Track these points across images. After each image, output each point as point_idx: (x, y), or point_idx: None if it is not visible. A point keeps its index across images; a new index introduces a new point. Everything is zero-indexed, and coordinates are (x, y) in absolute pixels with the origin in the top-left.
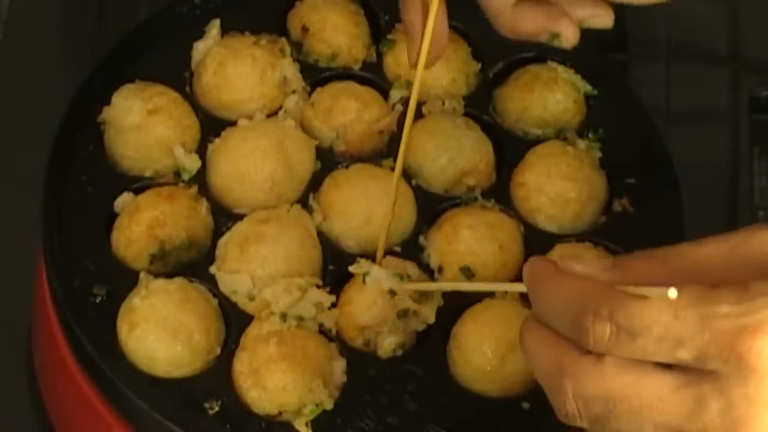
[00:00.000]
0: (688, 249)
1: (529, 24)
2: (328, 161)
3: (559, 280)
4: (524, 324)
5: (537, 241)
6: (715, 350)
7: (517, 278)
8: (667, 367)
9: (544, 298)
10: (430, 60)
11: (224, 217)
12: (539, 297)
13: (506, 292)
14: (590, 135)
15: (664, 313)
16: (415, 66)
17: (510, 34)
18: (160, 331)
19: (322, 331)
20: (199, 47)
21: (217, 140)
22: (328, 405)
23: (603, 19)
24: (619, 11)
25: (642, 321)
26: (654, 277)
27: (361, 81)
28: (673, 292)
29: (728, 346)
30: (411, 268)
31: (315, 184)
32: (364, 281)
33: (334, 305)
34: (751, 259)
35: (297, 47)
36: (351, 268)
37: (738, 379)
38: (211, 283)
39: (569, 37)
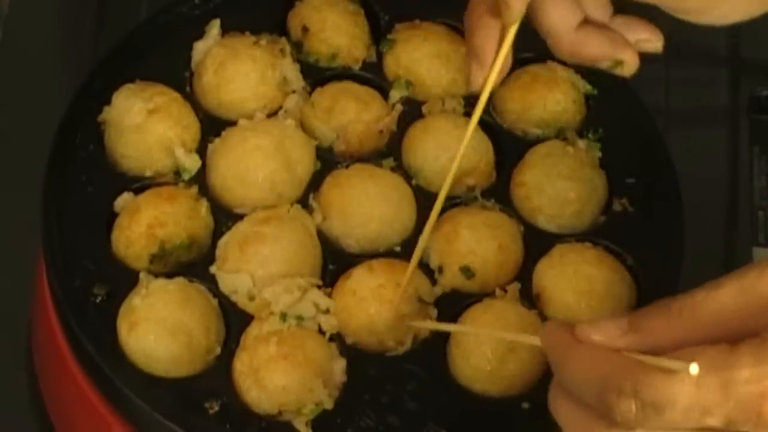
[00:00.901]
0: (702, 298)
1: (592, 50)
2: (328, 161)
3: (578, 350)
4: (551, 391)
5: (537, 241)
6: (743, 417)
7: (516, 279)
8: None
9: (565, 370)
10: (495, 83)
11: (224, 217)
12: (560, 368)
13: (506, 292)
14: (590, 135)
15: (686, 384)
16: (479, 90)
17: (569, 57)
18: (161, 331)
19: (322, 331)
20: (199, 47)
21: (217, 140)
22: (328, 405)
23: (654, 44)
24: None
25: (666, 395)
26: (672, 334)
27: (361, 81)
28: (694, 368)
29: (755, 412)
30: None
31: (315, 184)
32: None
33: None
34: (766, 300)
35: (297, 47)
36: None
37: None
38: (211, 283)
39: (631, 65)
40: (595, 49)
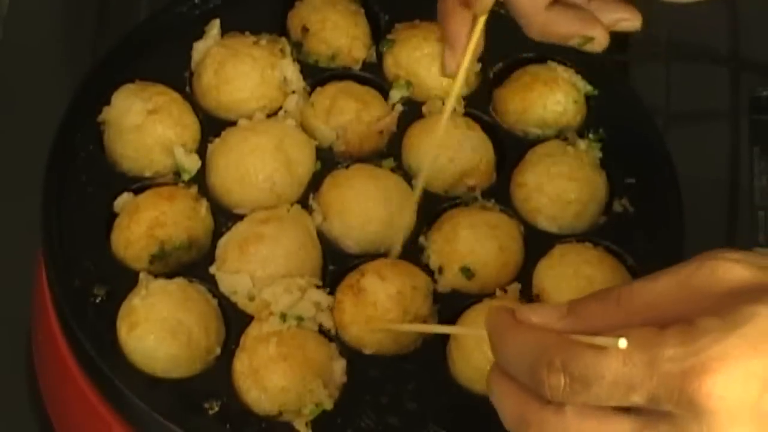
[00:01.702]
0: (640, 287)
1: (561, 27)
2: (328, 161)
3: (517, 331)
4: (490, 373)
5: (537, 241)
6: (665, 393)
7: (516, 279)
8: (627, 410)
9: (502, 349)
10: (468, 69)
11: (224, 217)
12: (498, 348)
13: (506, 293)
14: (590, 135)
15: (613, 360)
16: (453, 75)
17: (539, 36)
18: (160, 331)
19: (322, 331)
20: (199, 47)
21: (217, 140)
22: (328, 405)
23: (632, 22)
24: None
25: (593, 370)
26: (609, 320)
27: (361, 81)
28: (622, 342)
29: (677, 388)
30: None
31: (315, 184)
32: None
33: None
34: (700, 292)
35: (297, 47)
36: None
37: (693, 419)
38: (211, 283)
39: (601, 41)
40: (565, 28)
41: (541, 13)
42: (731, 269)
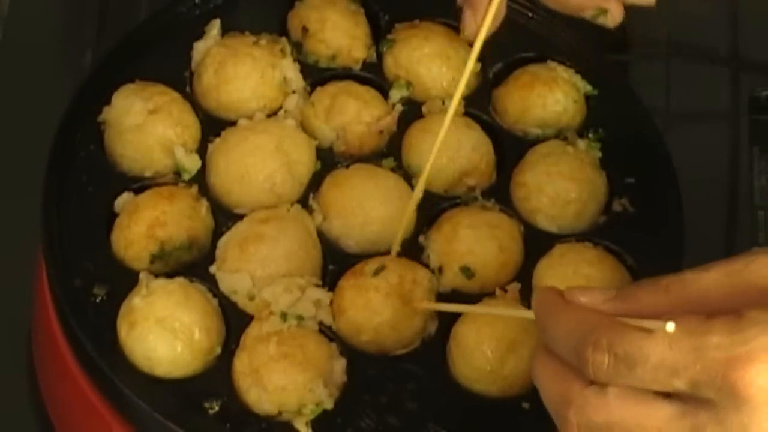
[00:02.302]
0: (691, 277)
1: None
2: (328, 161)
3: (565, 310)
4: (535, 354)
5: (537, 241)
6: (708, 380)
7: (516, 279)
8: (668, 396)
9: (550, 328)
10: (489, 30)
11: (224, 217)
12: (546, 327)
13: (506, 292)
14: (590, 135)
15: (659, 343)
16: (473, 36)
17: (558, 6)
18: (161, 331)
19: (322, 331)
20: (199, 47)
21: (217, 140)
22: (328, 405)
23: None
24: None
25: (639, 351)
26: (656, 307)
27: (361, 81)
28: (670, 326)
29: (720, 375)
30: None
31: (315, 184)
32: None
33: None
34: (751, 286)
35: (297, 47)
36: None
37: (733, 408)
38: (211, 283)
39: (615, 15)
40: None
41: None
42: None
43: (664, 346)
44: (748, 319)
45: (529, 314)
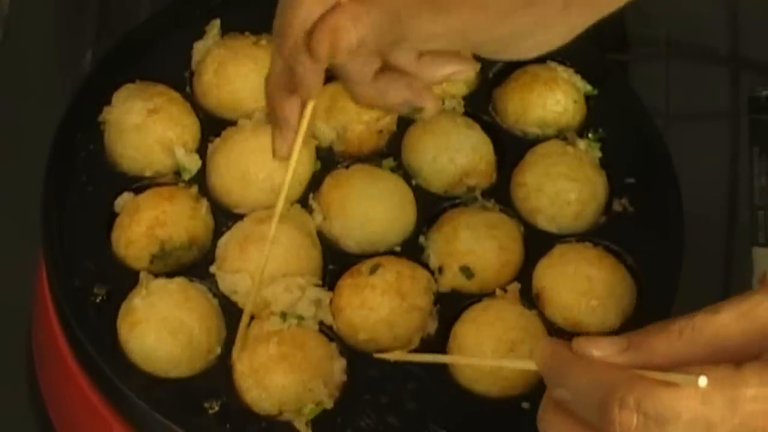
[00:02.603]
0: (702, 319)
1: (392, 97)
2: (328, 161)
3: (577, 365)
4: (543, 410)
5: (537, 241)
6: None
7: (516, 279)
8: None
9: (564, 384)
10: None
11: (224, 216)
12: (557, 383)
13: (506, 293)
14: (590, 135)
15: (691, 398)
16: (285, 159)
17: (368, 104)
18: (161, 331)
19: (322, 331)
20: (199, 47)
21: (217, 140)
22: (328, 405)
23: (465, 74)
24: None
25: (671, 408)
26: (671, 354)
27: None
28: (702, 380)
29: (761, 429)
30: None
31: (315, 184)
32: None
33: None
34: (765, 326)
35: None
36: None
37: None
38: (211, 282)
39: (431, 110)
40: (395, 97)
41: (368, 84)
42: None
43: (696, 402)
44: None
45: (529, 365)
